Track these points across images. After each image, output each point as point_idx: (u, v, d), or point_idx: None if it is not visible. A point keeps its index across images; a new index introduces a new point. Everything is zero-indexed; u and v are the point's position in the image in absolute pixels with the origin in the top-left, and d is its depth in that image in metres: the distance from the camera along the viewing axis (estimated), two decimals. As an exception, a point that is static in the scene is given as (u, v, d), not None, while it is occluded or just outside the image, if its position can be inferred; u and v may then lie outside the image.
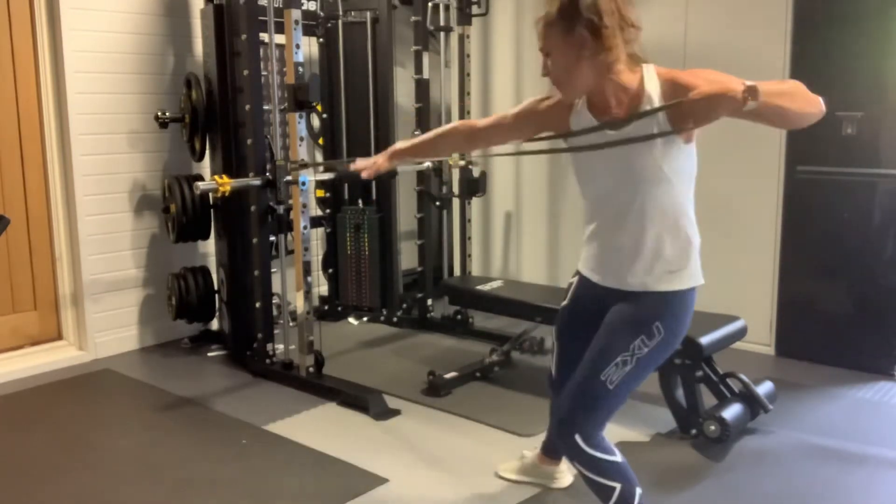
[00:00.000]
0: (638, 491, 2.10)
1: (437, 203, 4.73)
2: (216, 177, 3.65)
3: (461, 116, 4.72)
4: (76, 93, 4.03)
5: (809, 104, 1.87)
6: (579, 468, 2.10)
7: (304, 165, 3.61)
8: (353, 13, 4.66)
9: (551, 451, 2.70)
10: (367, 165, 2.43)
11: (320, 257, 5.08)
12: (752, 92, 1.69)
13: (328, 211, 4.84)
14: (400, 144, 2.47)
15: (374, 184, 4.72)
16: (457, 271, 4.97)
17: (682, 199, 2.08)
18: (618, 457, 2.09)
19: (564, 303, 2.36)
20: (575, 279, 2.32)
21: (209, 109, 4.08)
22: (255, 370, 3.95)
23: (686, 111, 1.77)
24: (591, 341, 2.10)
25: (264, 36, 3.85)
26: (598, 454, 2.06)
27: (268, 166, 3.88)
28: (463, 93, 4.70)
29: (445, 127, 2.44)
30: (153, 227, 4.41)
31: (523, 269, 5.31)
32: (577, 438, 2.04)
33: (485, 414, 3.37)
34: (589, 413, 2.06)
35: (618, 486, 2.06)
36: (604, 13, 1.92)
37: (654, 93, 1.97)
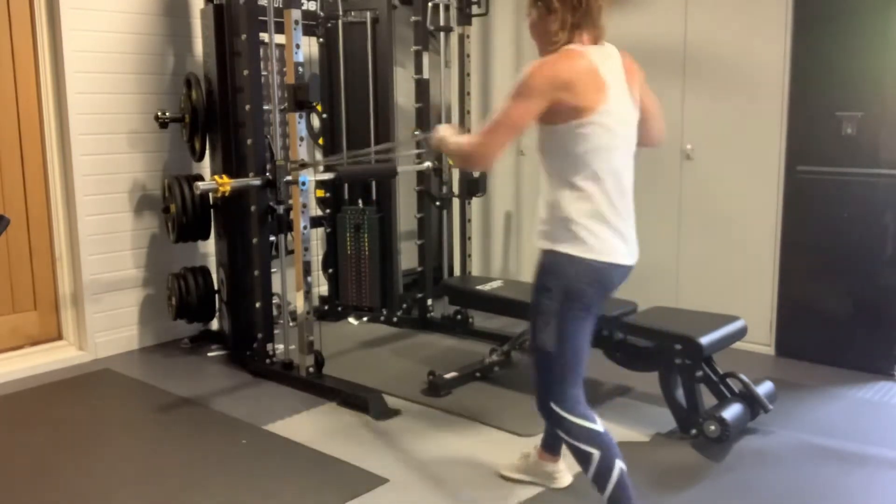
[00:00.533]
0: (619, 463, 2.18)
1: (437, 203, 4.73)
2: (216, 177, 3.65)
3: (461, 116, 4.72)
4: (76, 93, 4.03)
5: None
6: (562, 436, 2.25)
7: (305, 165, 3.61)
8: (353, 13, 4.66)
9: (550, 447, 2.71)
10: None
11: (320, 257, 5.08)
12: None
13: (328, 211, 4.84)
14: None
15: (374, 184, 4.72)
16: (457, 271, 4.97)
17: (557, 172, 2.19)
18: (597, 426, 2.21)
19: None
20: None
21: (209, 109, 4.08)
22: (255, 370, 3.95)
23: None
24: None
25: (264, 36, 3.85)
26: (576, 419, 2.21)
27: (268, 166, 3.88)
28: (463, 93, 4.70)
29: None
30: (153, 227, 4.41)
31: (523, 269, 5.30)
32: (553, 406, 2.22)
33: (485, 414, 3.38)
34: (548, 380, 2.24)
35: (596, 452, 2.18)
36: None
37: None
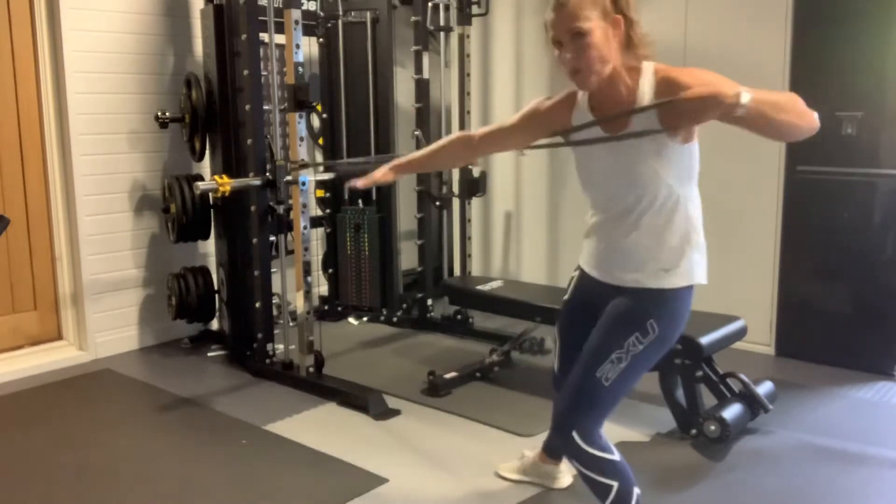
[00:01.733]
0: (636, 490, 2.09)
1: (437, 203, 4.73)
2: (216, 177, 3.66)
3: (461, 116, 4.72)
4: (76, 93, 4.03)
5: (801, 117, 1.80)
6: (577, 466, 2.10)
7: (305, 165, 3.61)
8: (353, 13, 4.66)
9: (552, 451, 2.70)
10: (364, 181, 2.42)
11: (320, 257, 5.08)
12: (742, 97, 1.70)
13: (328, 211, 4.84)
14: (400, 160, 2.45)
15: (374, 184, 4.71)
16: (457, 271, 4.97)
17: (679, 198, 2.07)
18: (616, 455, 2.09)
19: (565, 297, 2.38)
20: (576, 273, 2.34)
21: (209, 109, 4.08)
22: (255, 370, 3.95)
23: (676, 111, 1.79)
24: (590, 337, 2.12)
25: (264, 36, 3.85)
26: (596, 452, 2.06)
27: (268, 166, 3.88)
28: (463, 93, 4.70)
29: (443, 140, 2.43)
30: (153, 227, 4.41)
31: (523, 269, 5.31)
32: (575, 436, 2.04)
33: (485, 414, 3.37)
34: (585, 411, 2.06)
35: (615, 484, 2.06)
36: (630, 2, 1.99)
37: (647, 90, 1.97)
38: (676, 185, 2.05)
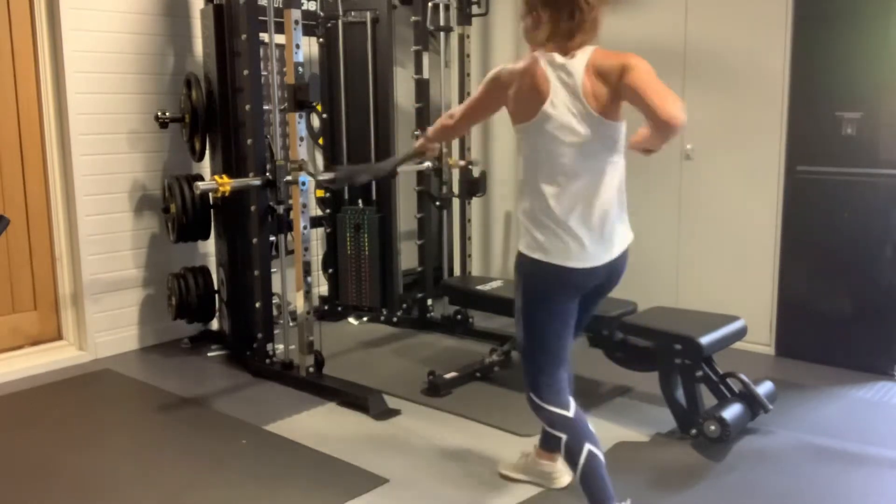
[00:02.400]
0: (587, 446, 2.28)
1: (437, 203, 4.73)
2: (216, 177, 3.65)
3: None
4: (76, 93, 4.03)
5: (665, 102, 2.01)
6: (541, 422, 2.43)
7: (300, 168, 3.61)
8: (353, 13, 4.66)
9: (547, 445, 2.71)
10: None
11: (320, 257, 5.08)
12: None
13: (328, 211, 4.84)
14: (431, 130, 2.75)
15: (374, 184, 4.72)
16: (457, 271, 4.97)
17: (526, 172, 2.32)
18: (570, 412, 2.34)
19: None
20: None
21: (209, 109, 4.08)
22: (255, 370, 3.95)
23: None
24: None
25: (264, 36, 3.85)
26: (549, 406, 2.34)
27: (268, 166, 3.88)
28: (463, 93, 4.70)
29: (441, 120, 2.70)
30: (153, 227, 4.41)
31: (523, 269, 5.29)
32: (530, 395, 2.38)
33: (485, 414, 3.38)
34: (525, 372, 2.39)
35: (563, 436, 2.30)
36: None
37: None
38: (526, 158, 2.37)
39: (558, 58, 2.19)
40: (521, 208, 2.34)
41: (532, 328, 2.36)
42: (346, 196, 4.81)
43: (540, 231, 2.27)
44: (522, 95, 2.21)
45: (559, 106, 2.17)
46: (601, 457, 2.30)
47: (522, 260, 2.33)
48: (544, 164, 2.23)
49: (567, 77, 2.17)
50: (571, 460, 2.31)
